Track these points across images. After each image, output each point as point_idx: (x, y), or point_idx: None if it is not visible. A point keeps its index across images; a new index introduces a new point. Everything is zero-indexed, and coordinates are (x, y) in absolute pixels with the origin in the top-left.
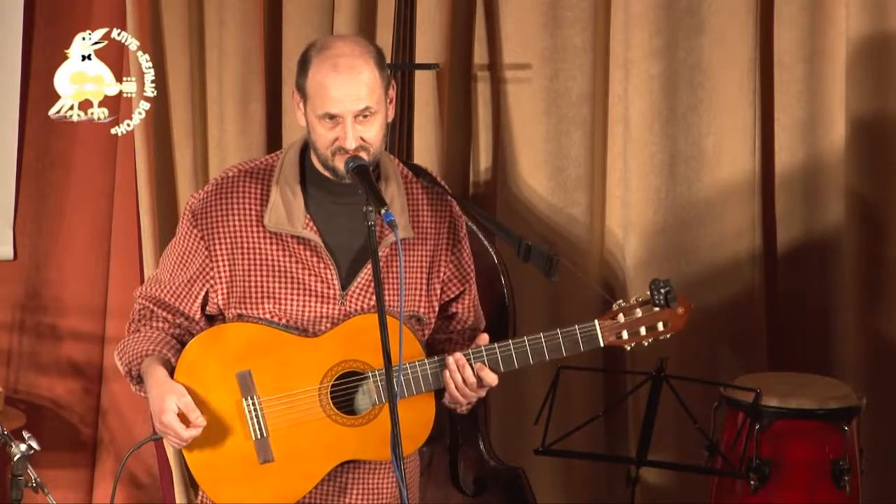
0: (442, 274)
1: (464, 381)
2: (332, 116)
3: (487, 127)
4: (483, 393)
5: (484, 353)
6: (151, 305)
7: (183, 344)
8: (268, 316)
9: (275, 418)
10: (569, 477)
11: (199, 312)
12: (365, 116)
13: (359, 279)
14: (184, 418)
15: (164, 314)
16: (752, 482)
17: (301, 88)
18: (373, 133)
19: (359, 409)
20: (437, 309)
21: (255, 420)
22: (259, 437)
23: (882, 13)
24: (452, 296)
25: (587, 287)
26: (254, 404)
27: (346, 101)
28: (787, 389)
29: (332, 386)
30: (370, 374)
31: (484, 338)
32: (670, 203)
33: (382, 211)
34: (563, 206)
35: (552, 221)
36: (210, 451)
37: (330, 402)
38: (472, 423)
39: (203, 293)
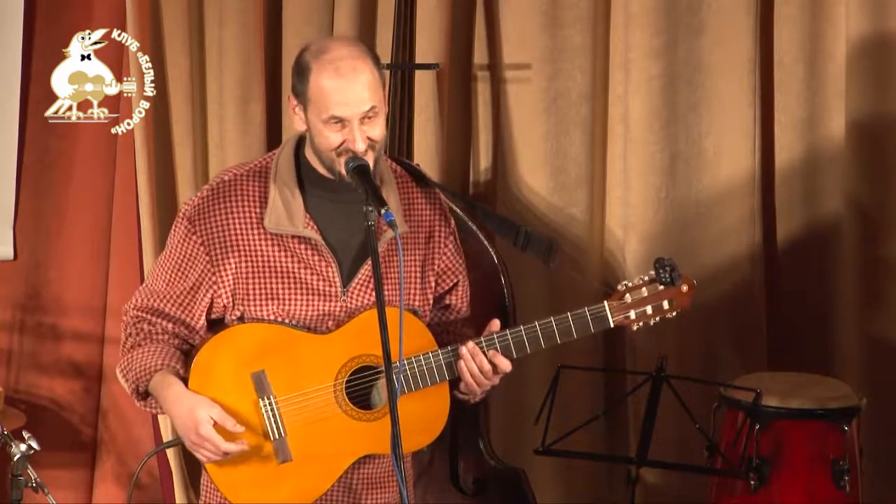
0: (437, 266)
1: (479, 368)
2: (339, 120)
3: (487, 127)
4: (497, 380)
5: (496, 340)
6: (149, 316)
7: (184, 353)
8: (271, 317)
9: (291, 417)
10: (569, 477)
11: (201, 320)
12: (370, 117)
13: (359, 275)
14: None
15: (164, 323)
16: (752, 482)
17: (300, 94)
18: (377, 132)
19: (375, 404)
20: (431, 301)
21: (272, 420)
22: (277, 437)
23: (882, 13)
24: (447, 287)
25: (587, 285)
26: (270, 404)
27: (353, 104)
28: (787, 389)
29: (347, 382)
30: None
31: (496, 324)
32: (670, 203)
33: (382, 211)
34: (563, 206)
35: (552, 221)
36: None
37: (346, 397)
38: (472, 423)
39: (207, 300)
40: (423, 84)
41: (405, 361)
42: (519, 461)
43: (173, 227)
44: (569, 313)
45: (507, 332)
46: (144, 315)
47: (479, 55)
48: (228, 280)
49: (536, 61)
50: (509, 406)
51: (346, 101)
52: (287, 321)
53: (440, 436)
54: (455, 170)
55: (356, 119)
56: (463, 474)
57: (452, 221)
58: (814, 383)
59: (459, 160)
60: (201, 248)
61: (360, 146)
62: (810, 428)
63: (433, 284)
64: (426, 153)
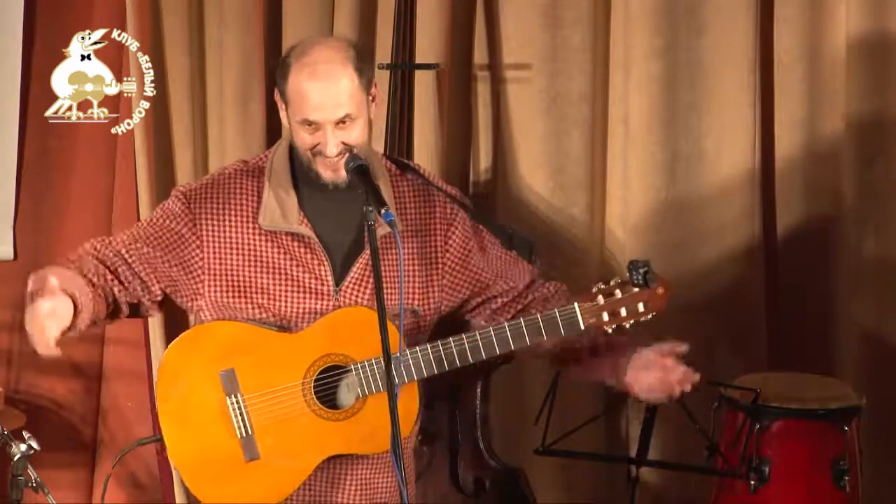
0: (447, 263)
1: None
2: (311, 123)
3: (487, 127)
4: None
5: (465, 340)
6: (113, 257)
7: (112, 301)
8: (257, 310)
9: (259, 415)
10: (569, 477)
11: (158, 288)
12: (344, 122)
13: (352, 274)
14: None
15: (123, 269)
16: (752, 482)
17: (282, 92)
18: (353, 136)
19: (342, 404)
20: (435, 301)
21: (239, 418)
22: (244, 434)
23: (882, 12)
24: (466, 295)
25: (588, 284)
26: (237, 402)
27: (325, 109)
28: (787, 389)
29: (316, 380)
30: (353, 368)
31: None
32: (670, 203)
33: (383, 211)
34: (563, 206)
35: (552, 221)
36: (196, 452)
37: (314, 396)
38: (472, 424)
39: (175, 275)
40: (423, 84)
41: (367, 363)
42: (519, 461)
43: (167, 201)
44: (538, 314)
45: (477, 332)
46: (108, 253)
47: (479, 55)
48: (213, 269)
49: (536, 61)
50: (509, 406)
51: (319, 105)
52: (274, 315)
53: (440, 435)
54: (455, 170)
55: (328, 124)
56: (463, 474)
57: (459, 215)
58: (814, 383)
59: (459, 160)
60: (191, 231)
61: (332, 150)
62: (810, 428)
63: (436, 286)
64: (426, 153)
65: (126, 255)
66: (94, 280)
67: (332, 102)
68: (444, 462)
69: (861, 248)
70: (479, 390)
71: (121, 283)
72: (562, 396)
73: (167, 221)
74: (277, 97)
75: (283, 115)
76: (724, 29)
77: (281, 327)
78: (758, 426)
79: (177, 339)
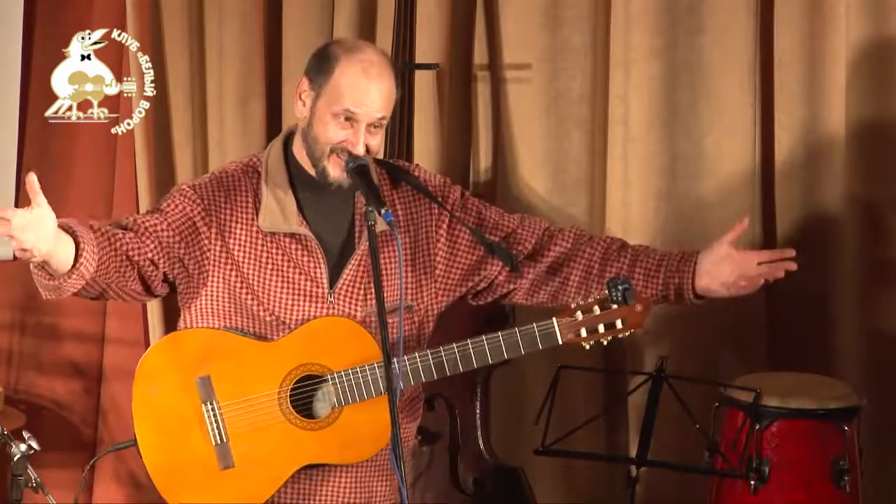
0: (434, 258)
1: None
2: (349, 117)
3: (487, 127)
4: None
5: (442, 352)
6: (116, 226)
7: (124, 255)
8: (259, 307)
9: (235, 423)
10: (569, 477)
11: (162, 260)
12: (376, 126)
13: (345, 275)
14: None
15: (130, 234)
16: (752, 482)
17: (316, 81)
18: (376, 142)
19: (318, 413)
20: (431, 296)
21: (214, 425)
22: (219, 442)
23: (882, 13)
24: (463, 279)
25: None
26: (213, 409)
27: (370, 106)
28: (787, 389)
29: (292, 390)
30: (329, 378)
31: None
32: (670, 203)
33: (383, 211)
34: (563, 206)
35: (552, 221)
36: (170, 458)
37: (290, 405)
38: (472, 423)
39: (184, 259)
40: (423, 84)
41: (343, 373)
42: (519, 461)
43: (174, 194)
44: (517, 328)
45: (454, 345)
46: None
47: (479, 55)
48: (222, 259)
49: (536, 61)
50: (509, 406)
51: (364, 101)
52: (271, 316)
53: (440, 435)
54: (455, 170)
55: (365, 122)
56: (462, 474)
57: (446, 223)
58: (814, 383)
59: (459, 160)
60: (204, 221)
61: (360, 150)
62: (810, 428)
63: (429, 280)
64: (426, 153)
65: (132, 224)
66: (94, 225)
67: (377, 103)
68: (444, 462)
69: (861, 249)
70: (479, 390)
71: (126, 239)
72: (562, 396)
73: (180, 207)
74: (301, 86)
75: (299, 104)
76: (723, 29)
77: (259, 336)
78: (758, 426)
79: (155, 343)
